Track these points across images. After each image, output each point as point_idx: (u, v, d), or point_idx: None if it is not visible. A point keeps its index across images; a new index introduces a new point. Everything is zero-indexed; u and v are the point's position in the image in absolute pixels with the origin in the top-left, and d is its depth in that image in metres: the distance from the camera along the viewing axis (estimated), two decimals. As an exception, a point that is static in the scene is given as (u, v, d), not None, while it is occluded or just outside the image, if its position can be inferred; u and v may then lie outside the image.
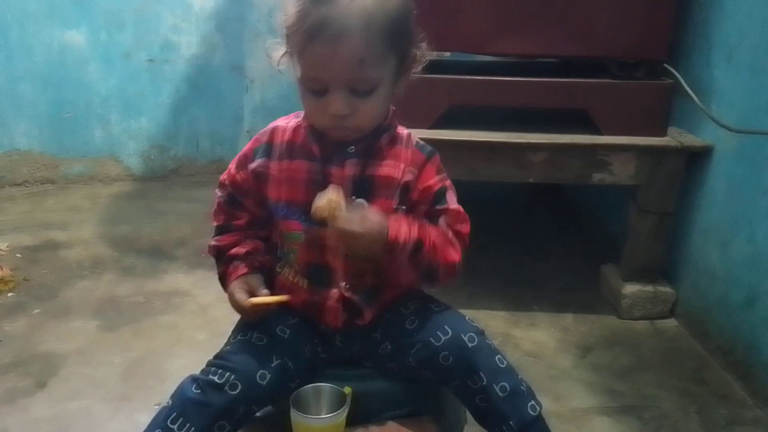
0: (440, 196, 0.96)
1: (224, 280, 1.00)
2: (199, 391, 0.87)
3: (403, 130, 0.99)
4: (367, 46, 0.83)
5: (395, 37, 0.86)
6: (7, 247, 2.08)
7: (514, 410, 0.92)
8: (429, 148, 0.98)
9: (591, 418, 1.38)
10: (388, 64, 0.88)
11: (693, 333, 1.69)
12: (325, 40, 0.82)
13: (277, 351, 0.93)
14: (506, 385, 0.92)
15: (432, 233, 0.93)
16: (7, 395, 1.38)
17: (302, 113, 0.98)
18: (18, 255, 2.04)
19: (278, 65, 0.92)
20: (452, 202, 0.97)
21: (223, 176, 1.03)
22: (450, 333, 0.94)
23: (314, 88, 0.87)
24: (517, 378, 0.95)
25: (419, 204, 0.96)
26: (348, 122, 0.88)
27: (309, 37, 0.82)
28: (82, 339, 1.60)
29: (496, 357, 0.95)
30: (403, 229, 0.89)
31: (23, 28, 2.51)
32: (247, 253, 0.99)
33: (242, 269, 0.97)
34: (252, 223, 1.01)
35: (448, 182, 0.98)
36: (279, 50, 0.91)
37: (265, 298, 0.93)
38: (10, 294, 1.80)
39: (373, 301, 0.99)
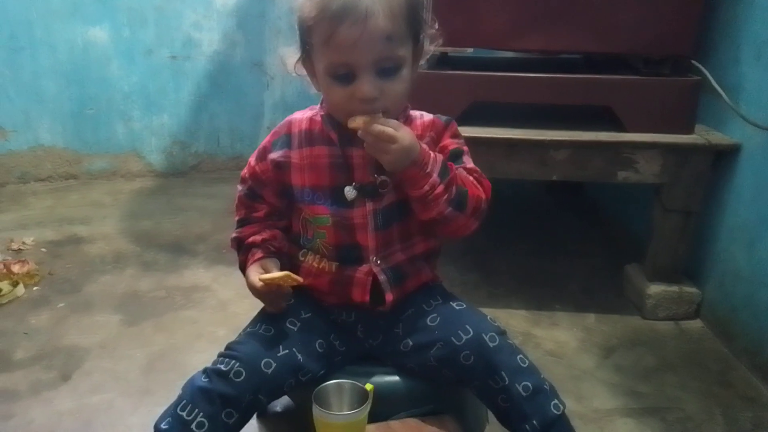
0: (457, 155, 0.99)
1: (244, 269, 1.01)
2: (207, 379, 0.89)
3: (415, 111, 1.01)
4: (392, 24, 0.86)
5: (413, 17, 0.90)
6: (32, 241, 2.11)
7: (537, 409, 0.92)
8: (446, 117, 1.02)
9: (614, 419, 1.36)
10: (409, 45, 0.91)
11: (718, 334, 1.67)
12: (353, 22, 0.84)
13: (284, 342, 0.95)
14: (528, 384, 0.92)
15: (454, 168, 0.96)
16: (32, 387, 1.40)
17: (316, 107, 1.01)
18: (43, 249, 2.07)
19: (294, 70, 0.95)
20: (469, 162, 1.00)
21: (244, 171, 1.05)
22: (471, 332, 0.94)
23: (341, 73, 0.88)
24: (539, 377, 0.94)
25: None
26: (377, 105, 0.89)
27: (337, 22, 0.84)
28: (104, 333, 1.62)
29: (518, 356, 0.94)
30: (432, 152, 0.92)
31: (47, 25, 2.54)
32: (264, 240, 1.00)
33: (258, 254, 0.99)
34: (270, 214, 1.03)
35: (466, 148, 1.01)
36: (293, 56, 0.95)
37: (274, 274, 0.94)
38: (35, 288, 1.83)
39: (398, 284, 0.99)
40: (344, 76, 0.88)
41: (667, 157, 1.61)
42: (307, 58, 0.93)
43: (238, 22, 2.76)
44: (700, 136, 1.63)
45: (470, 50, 1.83)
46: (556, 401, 0.93)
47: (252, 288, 0.96)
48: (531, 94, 1.66)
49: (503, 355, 0.93)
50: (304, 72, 0.96)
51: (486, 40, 1.68)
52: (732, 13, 1.65)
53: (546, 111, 1.76)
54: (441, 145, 0.99)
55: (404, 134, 0.88)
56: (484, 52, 1.90)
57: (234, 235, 1.04)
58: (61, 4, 2.54)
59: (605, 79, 1.65)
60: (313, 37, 0.88)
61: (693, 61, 1.63)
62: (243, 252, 1.02)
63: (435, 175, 0.91)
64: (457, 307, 1.00)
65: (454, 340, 0.94)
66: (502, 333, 0.96)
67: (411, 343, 0.99)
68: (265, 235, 1.01)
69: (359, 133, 0.88)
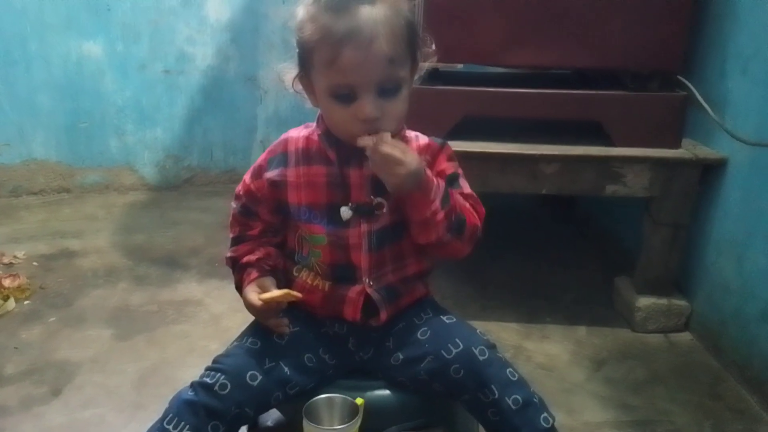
0: (453, 179, 1.01)
1: (240, 289, 1.02)
2: (193, 392, 0.90)
3: (410, 132, 1.03)
4: (394, 47, 0.88)
5: (411, 39, 0.92)
6: (23, 255, 2.10)
7: (527, 422, 0.92)
8: (441, 140, 1.03)
9: (604, 432, 1.37)
10: (408, 65, 0.93)
11: (708, 347, 1.68)
12: (356, 46, 0.85)
13: (270, 355, 0.95)
14: (518, 397, 0.92)
15: (455, 194, 0.97)
16: (23, 402, 1.39)
17: (312, 124, 1.01)
18: (34, 263, 2.06)
19: (292, 87, 0.96)
20: (466, 187, 1.02)
21: (238, 188, 1.05)
22: (461, 346, 0.95)
23: (343, 93, 0.89)
24: (529, 390, 0.95)
25: None
26: (378, 125, 0.90)
27: (340, 45, 0.85)
28: (96, 347, 1.61)
29: (508, 370, 0.94)
30: (435, 178, 0.94)
31: (42, 39, 2.56)
32: (259, 260, 1.01)
33: (254, 274, 0.99)
34: (265, 232, 1.04)
35: (461, 171, 1.03)
36: (291, 72, 0.95)
37: (273, 293, 0.95)
38: (26, 302, 1.82)
39: (391, 301, 1.00)
40: (346, 96, 0.89)
41: (655, 171, 1.63)
42: (305, 75, 0.94)
43: (232, 37, 2.78)
44: (687, 150, 1.65)
45: (461, 65, 1.85)
46: (545, 414, 0.93)
47: (250, 307, 0.97)
48: (521, 109, 1.68)
49: (493, 369, 0.93)
50: (301, 88, 0.96)
51: (477, 56, 1.71)
52: (718, 29, 1.68)
53: (536, 125, 1.78)
54: (438, 169, 1.00)
55: (412, 158, 0.89)
56: (475, 67, 1.92)
57: (229, 254, 1.05)
58: (55, 19, 2.55)
59: (594, 94, 1.67)
60: (314, 58, 0.89)
61: (680, 77, 1.65)
62: (238, 271, 1.02)
63: (437, 202, 0.92)
64: (447, 321, 1.01)
65: (444, 354, 0.95)
66: (491, 347, 0.96)
67: (401, 356, 1.00)
68: (259, 254, 1.01)
69: (367, 152, 0.89)
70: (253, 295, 0.96)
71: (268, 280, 0.99)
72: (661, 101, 1.65)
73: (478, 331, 1.00)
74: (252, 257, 1.01)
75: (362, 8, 0.86)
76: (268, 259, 1.01)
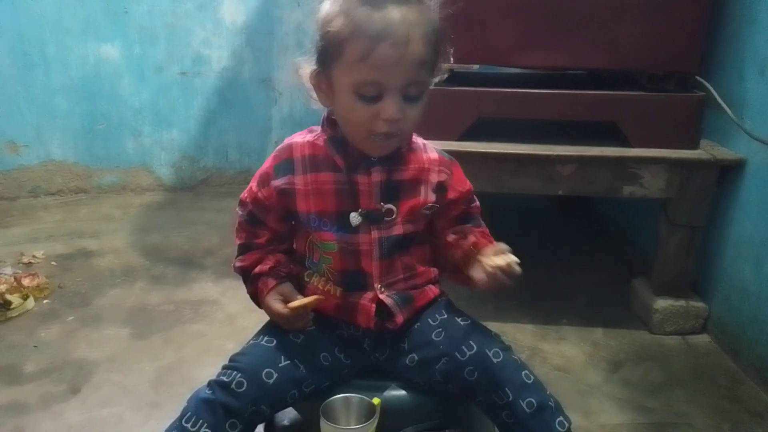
0: (475, 216, 1.07)
1: (256, 299, 1.02)
2: (210, 391, 0.90)
3: (417, 138, 1.03)
4: (426, 50, 0.87)
5: (440, 43, 0.91)
6: (42, 255, 2.13)
7: (542, 426, 0.92)
8: (447, 155, 1.05)
9: (621, 434, 1.36)
10: (432, 71, 0.92)
11: (726, 349, 1.66)
12: (394, 43, 0.84)
13: (286, 353, 0.95)
14: (533, 400, 0.91)
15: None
16: (42, 400, 1.41)
17: (315, 128, 1.00)
18: (53, 263, 2.09)
19: (310, 80, 0.94)
20: (476, 200, 1.08)
21: (244, 194, 1.03)
22: (475, 348, 0.94)
23: (369, 94, 0.88)
24: (544, 393, 0.94)
25: (457, 203, 1.03)
26: (398, 127, 0.90)
27: (377, 41, 0.84)
28: (113, 346, 1.63)
29: (523, 372, 0.94)
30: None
31: (60, 42, 2.59)
32: (271, 268, 1.00)
33: (271, 282, 0.99)
34: (272, 240, 1.03)
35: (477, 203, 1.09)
36: (308, 66, 0.93)
37: (302, 300, 0.96)
38: (45, 301, 1.85)
39: (406, 305, 1.00)
40: (371, 95, 0.88)
41: (672, 172, 1.62)
42: (322, 72, 0.92)
43: (247, 39, 2.79)
44: (705, 151, 1.64)
45: (476, 66, 1.85)
46: (561, 418, 0.93)
47: (277, 316, 0.97)
48: (536, 110, 1.68)
49: (507, 371, 0.93)
50: (314, 85, 0.94)
51: (491, 57, 1.70)
52: (736, 30, 1.67)
53: (551, 126, 1.77)
54: (466, 188, 1.05)
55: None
56: (490, 68, 1.92)
57: (238, 264, 1.04)
58: (73, 22, 2.58)
59: (610, 95, 1.67)
60: (343, 52, 0.87)
61: (697, 78, 1.64)
62: (251, 282, 1.02)
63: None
64: (462, 323, 1.00)
65: (458, 356, 0.95)
66: (506, 349, 0.96)
67: (417, 358, 0.99)
68: (270, 263, 1.01)
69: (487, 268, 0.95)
70: (279, 304, 0.96)
71: (288, 287, 0.99)
72: (679, 102, 1.64)
73: (492, 333, 1.00)
74: (264, 267, 1.00)
75: (398, 8, 0.85)
76: (280, 267, 1.01)
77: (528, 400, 0.91)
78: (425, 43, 0.87)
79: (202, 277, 2.03)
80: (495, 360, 0.93)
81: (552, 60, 1.68)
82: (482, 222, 1.08)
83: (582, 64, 1.73)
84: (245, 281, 1.04)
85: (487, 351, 0.94)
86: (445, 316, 1.02)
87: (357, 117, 0.90)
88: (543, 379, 0.95)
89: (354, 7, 0.86)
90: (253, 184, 1.01)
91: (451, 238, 1.05)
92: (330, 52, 0.89)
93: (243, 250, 1.04)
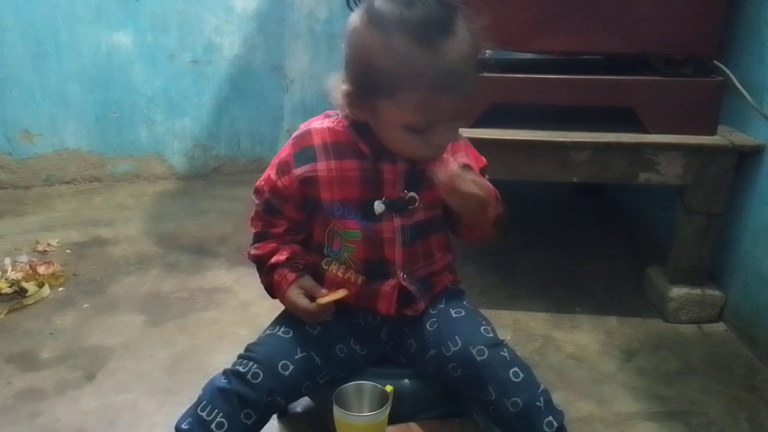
0: (484, 173, 1.04)
1: (272, 289, 1.01)
2: (226, 380, 0.91)
3: None
4: (473, 85, 0.87)
5: (480, 62, 0.90)
6: (57, 243, 2.15)
7: (527, 427, 0.90)
8: (460, 135, 1.04)
9: (636, 423, 1.34)
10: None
11: (742, 338, 1.64)
12: (453, 90, 0.83)
13: (302, 344, 0.95)
14: (518, 400, 0.89)
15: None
16: (58, 386, 1.43)
17: (332, 113, 0.98)
18: (68, 251, 2.10)
19: (349, 107, 0.90)
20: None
21: (261, 183, 1.01)
22: (459, 344, 0.93)
23: (421, 128, 0.86)
24: (533, 392, 0.91)
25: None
26: (446, 147, 0.92)
27: (434, 91, 0.82)
28: (128, 333, 1.64)
29: (511, 370, 0.91)
30: (494, 191, 0.96)
31: (72, 30, 2.59)
32: (288, 259, 0.99)
33: (290, 276, 0.98)
34: (289, 230, 1.02)
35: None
36: (342, 87, 0.89)
37: (330, 296, 0.95)
38: (60, 289, 1.86)
39: (427, 292, 1.00)
40: (422, 129, 0.86)
41: (689, 158, 1.60)
42: (363, 97, 0.88)
43: (258, 26, 2.78)
44: (723, 137, 1.61)
45: (489, 52, 1.82)
46: (549, 418, 0.90)
47: (301, 311, 0.96)
48: (551, 96, 1.66)
49: (491, 370, 0.90)
50: (348, 103, 0.91)
51: (505, 42, 1.67)
52: (756, 12, 1.63)
53: (566, 112, 1.75)
54: (482, 165, 1.03)
55: (487, 193, 0.90)
56: (503, 53, 1.90)
57: (253, 252, 1.03)
58: (85, 10, 2.58)
59: (626, 80, 1.64)
60: (396, 95, 0.83)
61: (716, 62, 1.61)
62: (267, 272, 1.00)
63: (492, 215, 0.95)
64: (455, 315, 0.99)
65: (444, 351, 0.94)
66: (493, 345, 0.93)
67: (414, 344, 1.00)
68: (286, 253, 0.99)
69: (441, 183, 0.87)
70: (303, 299, 0.96)
71: (309, 281, 0.98)
72: (696, 86, 1.61)
73: (482, 327, 0.96)
74: (280, 257, 0.99)
75: (448, 42, 0.81)
76: (296, 258, 1.00)
77: (513, 399, 0.89)
78: (473, 79, 0.86)
79: (215, 264, 2.03)
80: (479, 358, 0.91)
81: (567, 44, 1.65)
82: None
83: (597, 48, 1.70)
84: (259, 270, 1.03)
85: (471, 348, 0.92)
86: (443, 305, 1.01)
87: (405, 147, 0.90)
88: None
89: (404, 46, 0.80)
90: (270, 173, 0.99)
91: None
92: (377, 85, 0.84)
93: (259, 238, 1.03)
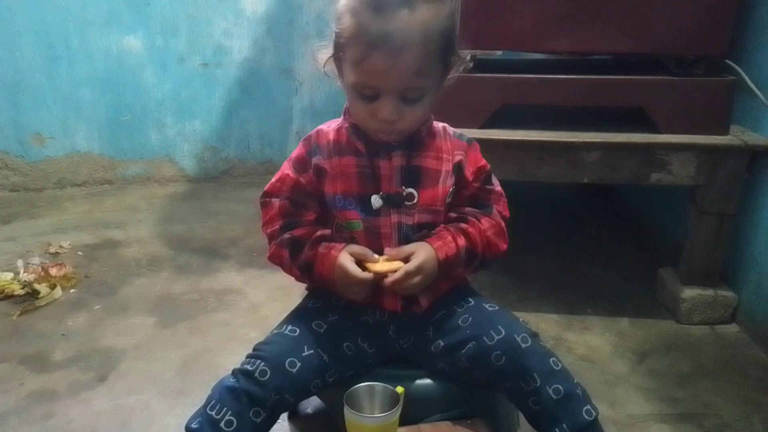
0: (489, 176, 1.05)
1: (310, 267, 0.98)
2: (234, 379, 0.92)
3: (438, 123, 1.04)
4: (423, 59, 0.88)
5: (445, 48, 0.91)
6: (69, 245, 2.16)
7: (568, 413, 0.91)
8: (467, 136, 1.06)
9: (648, 425, 1.34)
10: (436, 74, 0.93)
11: (756, 339, 1.63)
12: (386, 53, 0.85)
13: (309, 342, 0.96)
14: (560, 387, 0.91)
15: (486, 229, 1.01)
16: (71, 388, 1.43)
17: (339, 119, 1.03)
18: (79, 253, 2.12)
19: (323, 67, 0.97)
20: (497, 184, 1.07)
21: (277, 184, 1.02)
22: (503, 332, 0.95)
23: (366, 93, 0.91)
24: (572, 381, 0.94)
25: (473, 182, 1.03)
26: (395, 126, 0.93)
27: (370, 49, 0.86)
28: (140, 335, 1.65)
29: (551, 359, 0.94)
30: (449, 245, 0.97)
31: (83, 34, 2.61)
32: (332, 234, 1.01)
33: (339, 244, 0.97)
34: (318, 221, 1.03)
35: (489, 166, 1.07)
36: (325, 53, 0.96)
37: (389, 264, 0.95)
38: (72, 290, 1.87)
39: (429, 289, 1.00)
40: (368, 96, 0.91)
41: (701, 158, 1.58)
42: (337, 59, 0.95)
43: (268, 29, 2.79)
44: (735, 137, 1.60)
45: (499, 53, 1.82)
46: (588, 407, 0.92)
47: (351, 276, 0.94)
48: (561, 96, 1.65)
49: (535, 357, 0.93)
50: (332, 68, 0.97)
51: (515, 42, 1.68)
52: (766, 12, 1.62)
53: (576, 113, 1.75)
54: (479, 165, 1.04)
55: (426, 269, 0.94)
56: (513, 54, 1.90)
57: (287, 235, 0.99)
58: (96, 14, 2.60)
59: (637, 80, 1.63)
60: (345, 53, 0.91)
61: (727, 61, 1.60)
62: (310, 246, 0.97)
63: (458, 269, 1.01)
64: (490, 309, 1.01)
65: (486, 340, 0.95)
66: (534, 335, 0.96)
67: (442, 344, 1.00)
68: (327, 231, 1.00)
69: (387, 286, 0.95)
70: (355, 266, 0.94)
71: (359, 246, 0.97)
72: (708, 86, 1.59)
73: (520, 320, 1.00)
74: (325, 231, 0.99)
75: (400, 12, 0.85)
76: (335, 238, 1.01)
77: (555, 386, 0.91)
78: (423, 52, 0.87)
79: (225, 266, 2.04)
80: (523, 345, 0.93)
81: (577, 45, 1.65)
82: (496, 210, 1.04)
83: (608, 48, 1.70)
84: (294, 252, 0.99)
85: (515, 336, 0.94)
86: (472, 303, 1.03)
87: (357, 112, 0.95)
88: (569, 369, 0.94)
89: (361, 8, 0.87)
90: (290, 172, 1.01)
91: (452, 215, 1.04)
92: (339, 44, 0.92)
93: (289, 226, 1.00)
